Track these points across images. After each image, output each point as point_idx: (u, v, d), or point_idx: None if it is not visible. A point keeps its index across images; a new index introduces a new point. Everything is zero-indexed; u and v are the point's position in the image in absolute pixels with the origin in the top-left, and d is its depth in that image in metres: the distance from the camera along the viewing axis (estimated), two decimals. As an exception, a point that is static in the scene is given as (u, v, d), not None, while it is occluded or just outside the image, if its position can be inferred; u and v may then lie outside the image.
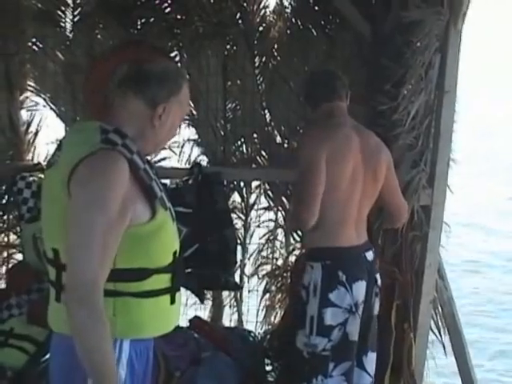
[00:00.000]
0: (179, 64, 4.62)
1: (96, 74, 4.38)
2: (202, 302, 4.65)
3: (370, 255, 3.62)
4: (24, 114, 4.81)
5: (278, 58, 4.76)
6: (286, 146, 4.82)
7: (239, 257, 4.75)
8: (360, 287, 3.53)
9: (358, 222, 3.58)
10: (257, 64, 4.75)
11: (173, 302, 2.46)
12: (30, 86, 4.78)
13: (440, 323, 4.38)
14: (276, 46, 4.75)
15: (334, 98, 3.61)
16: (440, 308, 4.39)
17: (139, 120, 2.39)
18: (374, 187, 3.60)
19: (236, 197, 4.92)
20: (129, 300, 2.34)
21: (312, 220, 3.43)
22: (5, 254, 4.89)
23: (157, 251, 2.38)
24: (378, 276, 3.66)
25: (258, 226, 5.01)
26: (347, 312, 3.51)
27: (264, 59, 4.75)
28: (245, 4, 4.72)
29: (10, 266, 4.81)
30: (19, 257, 4.74)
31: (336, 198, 3.48)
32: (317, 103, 3.64)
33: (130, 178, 2.26)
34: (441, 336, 4.40)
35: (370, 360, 3.68)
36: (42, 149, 4.79)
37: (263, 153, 4.86)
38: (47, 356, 3.63)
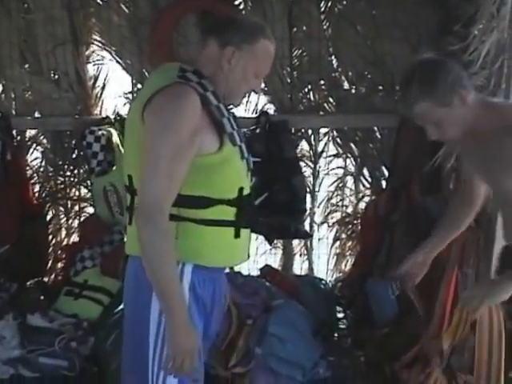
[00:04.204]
0: (243, 11, 4.57)
1: (162, 24, 4.41)
2: (270, 244, 4.69)
3: None
4: (91, 69, 4.82)
5: (344, 1, 4.63)
6: (353, 91, 4.73)
7: (308, 205, 4.73)
8: None
9: None
10: (322, 9, 4.63)
11: (237, 236, 2.54)
12: (95, 40, 4.77)
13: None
14: (342, -10, 4.64)
15: None
16: None
17: (212, 62, 2.52)
18: None
19: (304, 145, 4.87)
20: (191, 225, 2.46)
21: None
22: (76, 208, 4.97)
23: (220, 183, 2.49)
24: None
25: (327, 174, 4.96)
26: None
27: (330, 4, 4.62)
28: None
29: (82, 219, 4.89)
30: (90, 210, 4.80)
31: None
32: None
33: (202, 111, 2.40)
34: None
35: None
36: (110, 103, 4.81)
37: (330, 99, 4.78)
38: (121, 307, 3.71)
